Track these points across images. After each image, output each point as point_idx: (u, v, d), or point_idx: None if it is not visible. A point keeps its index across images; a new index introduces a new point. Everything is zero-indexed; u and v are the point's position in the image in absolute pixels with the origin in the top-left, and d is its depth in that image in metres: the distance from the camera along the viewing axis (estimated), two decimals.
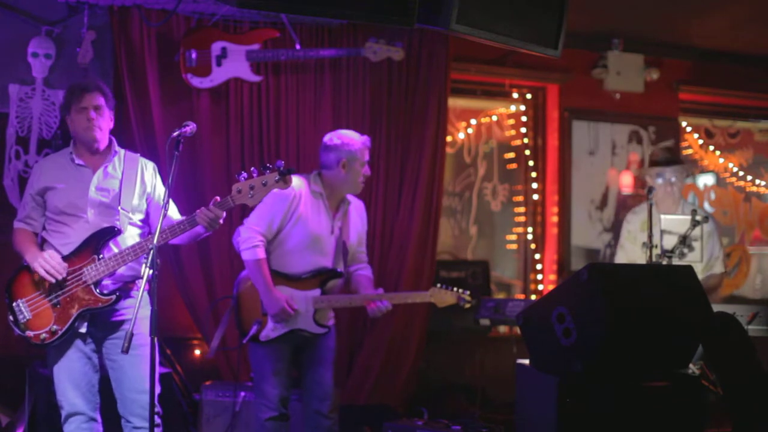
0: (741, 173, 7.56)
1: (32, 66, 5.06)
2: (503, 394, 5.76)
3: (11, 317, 3.63)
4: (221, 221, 3.62)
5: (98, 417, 3.71)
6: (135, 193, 3.78)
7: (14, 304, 3.62)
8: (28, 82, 5.07)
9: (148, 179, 3.87)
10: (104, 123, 3.74)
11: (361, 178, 4.22)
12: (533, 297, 6.61)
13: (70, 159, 3.78)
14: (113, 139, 3.87)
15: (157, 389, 3.56)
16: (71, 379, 3.65)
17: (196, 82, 5.16)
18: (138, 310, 3.19)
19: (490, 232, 6.90)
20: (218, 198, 3.59)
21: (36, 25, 5.06)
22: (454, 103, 6.41)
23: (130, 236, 3.75)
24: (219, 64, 5.18)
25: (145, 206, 3.85)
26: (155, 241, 3.26)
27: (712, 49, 6.88)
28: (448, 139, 6.23)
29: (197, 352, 5.54)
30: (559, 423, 3.23)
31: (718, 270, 5.08)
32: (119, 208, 3.72)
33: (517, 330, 5.04)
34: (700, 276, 4.82)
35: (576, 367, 3.23)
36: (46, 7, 5.07)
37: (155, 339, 3.18)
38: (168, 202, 3.36)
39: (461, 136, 6.75)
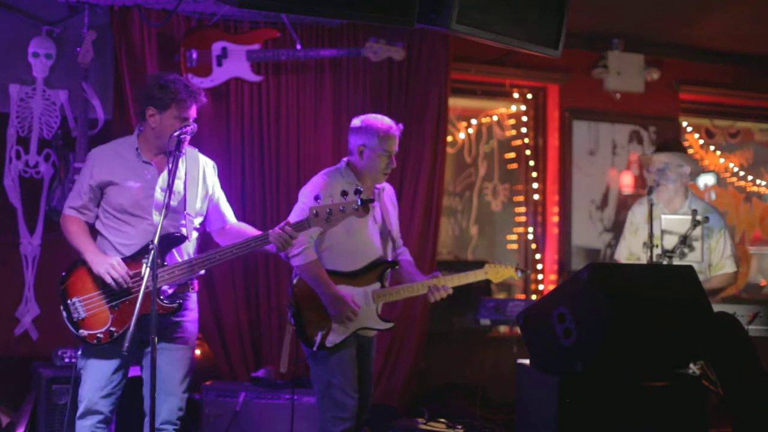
0: (741, 173, 7.56)
1: (33, 66, 5.06)
2: (503, 394, 5.76)
3: (65, 313, 3.50)
4: (294, 243, 3.53)
5: (113, 416, 3.65)
6: (198, 195, 3.67)
7: (69, 301, 3.50)
8: (28, 82, 5.07)
9: (210, 180, 3.75)
10: None
11: (382, 169, 3.97)
12: (534, 297, 6.61)
13: (136, 154, 3.62)
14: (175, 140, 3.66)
15: (186, 393, 3.59)
16: (100, 379, 3.54)
17: (196, 82, 5.15)
18: (137, 308, 3.16)
19: (491, 231, 6.90)
20: (291, 220, 3.51)
21: (36, 24, 5.07)
22: (455, 103, 6.41)
23: (193, 241, 3.65)
24: (219, 64, 5.18)
25: (205, 209, 3.73)
26: (155, 241, 3.21)
27: (712, 49, 6.88)
28: (449, 138, 6.24)
29: (197, 352, 5.52)
30: (559, 423, 3.23)
31: (730, 269, 4.85)
32: (185, 213, 3.59)
33: (518, 330, 5.04)
34: (708, 275, 4.82)
35: (576, 367, 3.23)
36: (46, 7, 5.07)
37: (155, 339, 3.17)
38: (169, 202, 3.33)
39: (462, 136, 6.75)
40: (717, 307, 3.78)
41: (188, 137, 3.46)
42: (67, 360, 4.53)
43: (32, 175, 5.08)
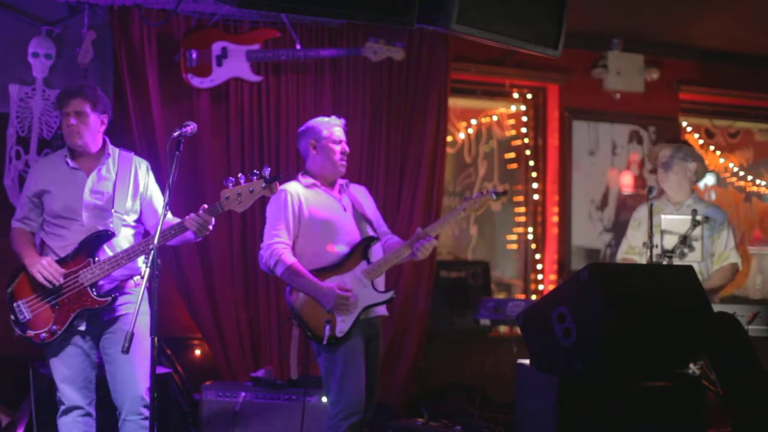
0: (741, 173, 7.56)
1: (32, 66, 5.06)
2: (503, 394, 5.76)
3: (12, 317, 3.71)
4: (210, 227, 3.64)
5: (93, 411, 3.78)
6: (128, 194, 3.83)
7: (15, 304, 3.70)
8: (28, 82, 5.07)
9: (142, 179, 3.90)
10: (86, 129, 3.76)
11: (338, 157, 4.11)
12: (533, 297, 6.62)
13: (64, 162, 3.82)
14: (107, 139, 3.90)
15: (148, 382, 3.63)
16: (70, 376, 3.72)
17: (196, 82, 5.16)
18: (139, 308, 3.21)
19: (491, 232, 6.90)
20: (206, 205, 3.63)
21: (36, 25, 5.06)
22: (455, 103, 6.41)
23: (124, 238, 3.80)
24: (219, 64, 5.18)
25: (138, 207, 3.88)
26: (155, 242, 3.29)
27: (712, 49, 6.88)
28: (449, 138, 6.24)
29: (197, 352, 5.54)
30: (559, 423, 3.23)
31: (734, 259, 4.87)
32: (113, 211, 3.77)
33: (518, 330, 5.04)
34: (711, 268, 4.84)
35: (576, 367, 3.23)
36: (46, 7, 5.07)
37: (155, 339, 3.20)
38: (168, 203, 3.37)
39: (461, 136, 6.75)
40: (717, 307, 3.78)
41: (186, 137, 3.47)
42: None
43: None
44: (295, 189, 4.07)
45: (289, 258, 3.96)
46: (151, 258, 3.21)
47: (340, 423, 3.87)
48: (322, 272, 3.99)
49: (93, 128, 3.78)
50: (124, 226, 3.81)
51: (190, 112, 5.20)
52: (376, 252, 4.12)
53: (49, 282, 3.62)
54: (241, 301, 5.33)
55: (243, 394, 4.71)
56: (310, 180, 4.13)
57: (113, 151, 3.89)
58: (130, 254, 3.65)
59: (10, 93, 5.04)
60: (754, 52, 6.89)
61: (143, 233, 3.93)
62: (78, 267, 3.67)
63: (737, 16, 6.09)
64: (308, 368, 4.96)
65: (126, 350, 3.13)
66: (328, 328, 3.89)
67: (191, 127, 3.50)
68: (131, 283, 3.80)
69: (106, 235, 3.72)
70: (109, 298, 3.68)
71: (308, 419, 4.45)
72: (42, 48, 5.05)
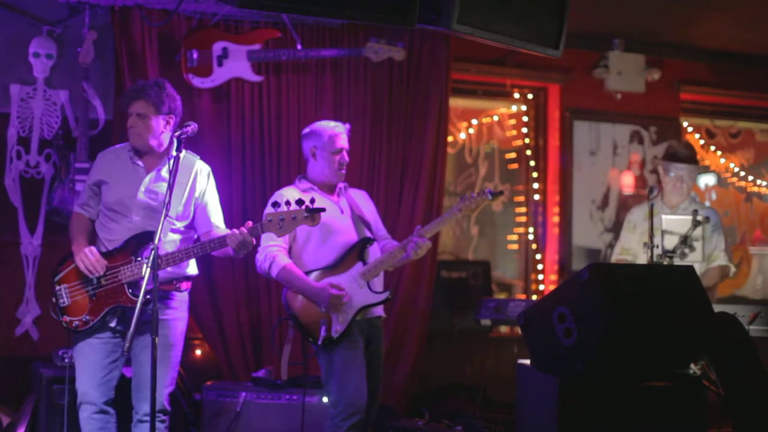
0: (742, 173, 7.56)
1: (33, 66, 5.07)
2: (504, 394, 5.77)
3: (53, 299, 3.74)
4: (251, 247, 3.63)
5: (110, 409, 3.75)
6: (182, 198, 3.78)
7: (57, 288, 3.73)
8: (29, 82, 5.08)
9: (200, 184, 3.87)
10: (146, 130, 3.73)
11: (336, 167, 4.11)
12: (534, 297, 6.62)
13: (129, 156, 3.82)
14: (174, 141, 3.86)
15: (171, 388, 3.76)
16: (89, 369, 3.70)
17: (197, 82, 5.17)
18: (138, 307, 3.21)
19: (491, 232, 6.90)
20: (251, 223, 3.62)
21: (37, 25, 5.07)
22: (455, 103, 6.41)
23: (171, 242, 3.77)
24: (220, 64, 5.19)
25: (191, 213, 3.85)
26: (156, 241, 3.27)
27: (713, 49, 6.89)
28: (449, 139, 6.24)
29: (198, 352, 5.54)
30: (560, 423, 3.23)
31: (722, 262, 4.94)
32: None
33: (518, 330, 5.04)
34: (702, 268, 4.85)
35: (576, 367, 3.23)
36: (47, 7, 5.08)
37: (155, 339, 3.20)
38: (170, 203, 3.35)
39: (462, 136, 6.75)
40: (717, 308, 3.78)
41: (187, 137, 3.47)
42: (67, 360, 4.53)
43: (33, 175, 5.09)
44: (291, 194, 4.04)
45: (284, 260, 3.97)
46: (152, 258, 3.21)
47: (340, 423, 3.86)
48: (320, 272, 4.01)
49: (155, 130, 3.74)
50: (172, 230, 3.77)
51: (191, 112, 5.19)
52: (374, 254, 4.13)
53: (89, 271, 3.64)
54: (242, 300, 5.33)
55: (244, 394, 4.71)
56: (307, 184, 4.14)
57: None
58: (169, 260, 3.62)
59: (11, 93, 5.05)
60: (755, 53, 6.89)
61: (194, 240, 3.88)
62: (121, 263, 3.67)
63: (738, 17, 6.09)
64: (305, 368, 4.97)
65: (126, 350, 3.15)
66: (323, 329, 3.90)
67: (192, 128, 3.49)
68: (173, 288, 3.77)
69: (151, 236, 3.62)
70: (144, 298, 3.65)
71: (309, 420, 4.45)
72: (43, 48, 5.06)
